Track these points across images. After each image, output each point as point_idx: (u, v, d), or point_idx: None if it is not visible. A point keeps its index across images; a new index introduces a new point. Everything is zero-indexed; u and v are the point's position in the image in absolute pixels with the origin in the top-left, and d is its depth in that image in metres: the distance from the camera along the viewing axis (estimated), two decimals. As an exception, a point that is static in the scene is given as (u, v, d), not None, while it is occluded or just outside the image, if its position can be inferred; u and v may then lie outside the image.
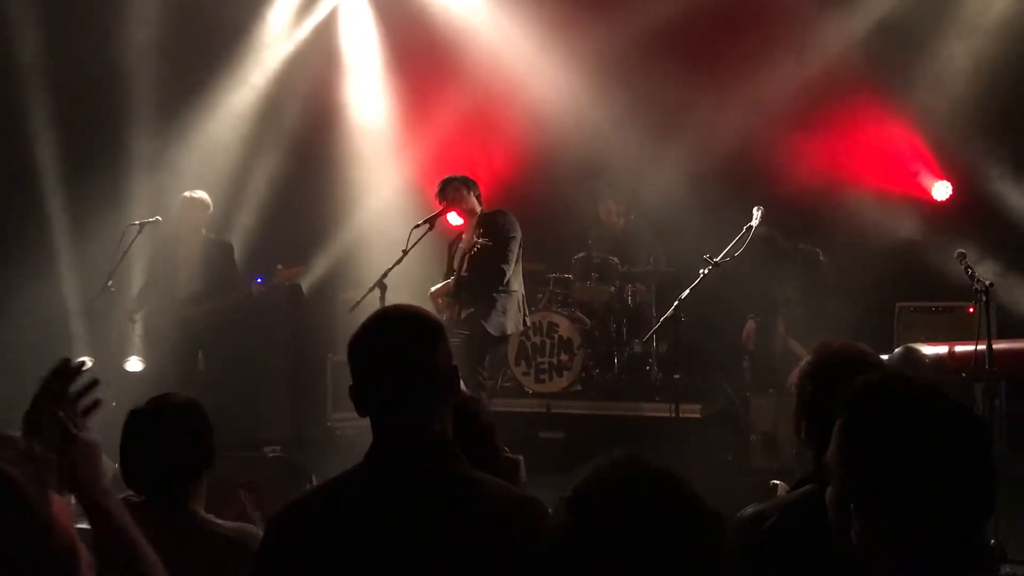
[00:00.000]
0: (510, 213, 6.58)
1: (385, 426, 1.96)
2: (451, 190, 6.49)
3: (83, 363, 1.80)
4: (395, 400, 1.95)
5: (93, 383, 1.81)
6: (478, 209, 6.56)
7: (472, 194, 6.54)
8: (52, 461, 1.10)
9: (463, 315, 6.43)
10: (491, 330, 6.37)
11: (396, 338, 1.98)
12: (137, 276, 7.55)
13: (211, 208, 7.23)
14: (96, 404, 1.81)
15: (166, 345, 6.94)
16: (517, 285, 6.52)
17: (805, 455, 2.47)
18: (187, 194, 7.17)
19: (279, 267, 7.14)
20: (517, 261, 6.49)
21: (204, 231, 7.23)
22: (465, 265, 6.49)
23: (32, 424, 1.71)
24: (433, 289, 6.59)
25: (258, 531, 2.71)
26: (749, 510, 2.38)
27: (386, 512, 1.88)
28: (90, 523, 1.71)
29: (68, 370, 1.78)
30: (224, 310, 7.11)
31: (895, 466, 1.48)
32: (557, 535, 1.25)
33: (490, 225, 6.47)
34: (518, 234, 6.47)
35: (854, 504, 1.52)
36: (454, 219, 6.84)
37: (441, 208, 6.50)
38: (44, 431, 1.70)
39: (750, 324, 6.84)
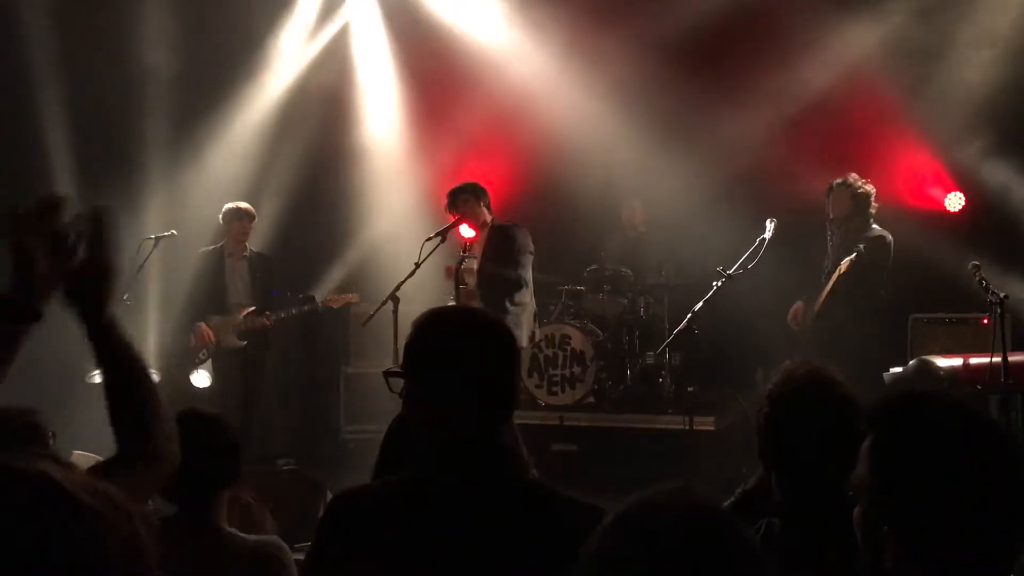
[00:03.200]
0: (523, 226, 6.59)
1: (451, 433, 1.91)
2: (460, 202, 6.49)
3: (62, 198, 1.71)
4: (466, 407, 1.90)
5: (97, 215, 1.74)
6: (489, 219, 6.56)
7: (482, 204, 6.52)
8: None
9: None
10: None
11: (481, 340, 1.94)
12: (155, 289, 7.58)
13: (256, 218, 7.24)
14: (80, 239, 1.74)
15: (196, 359, 6.99)
16: (528, 298, 6.52)
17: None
18: (232, 204, 7.16)
19: (331, 293, 7.29)
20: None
21: (248, 244, 7.23)
22: (475, 280, 6.47)
23: (21, 253, 1.66)
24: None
25: (282, 543, 2.72)
26: None
27: (453, 517, 1.85)
28: (93, 339, 1.71)
29: (53, 203, 1.70)
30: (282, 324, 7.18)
31: (933, 485, 1.46)
32: (587, 561, 1.22)
33: (504, 239, 6.45)
34: (532, 248, 6.48)
35: (889, 526, 1.49)
36: (466, 231, 6.85)
37: (453, 220, 6.51)
38: (35, 260, 1.66)
39: (799, 304, 6.53)
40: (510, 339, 2.01)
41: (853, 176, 6.42)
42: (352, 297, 7.33)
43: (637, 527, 1.20)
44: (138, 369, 1.75)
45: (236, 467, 2.69)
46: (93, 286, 1.70)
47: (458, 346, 1.92)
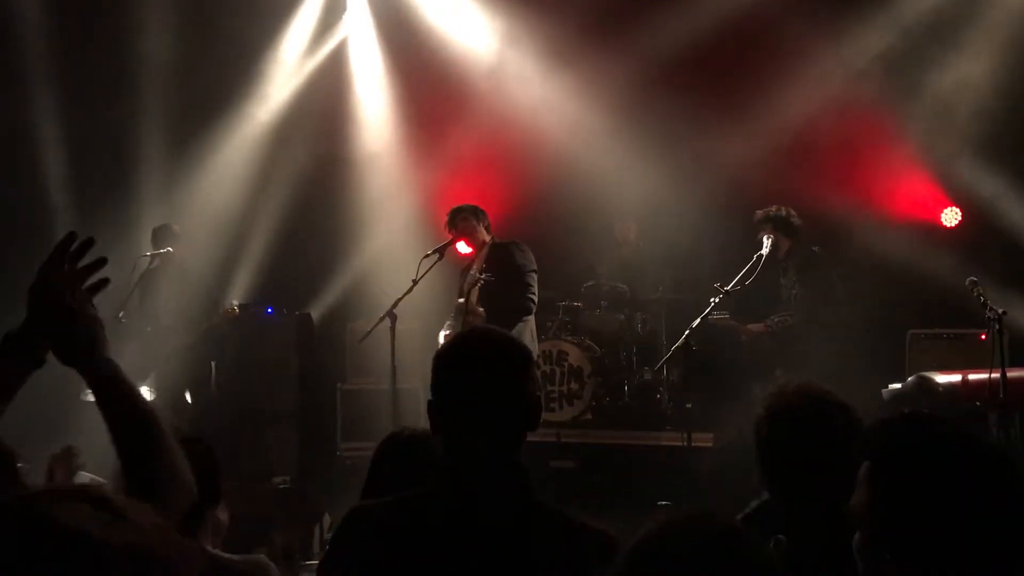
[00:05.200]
0: (524, 244, 6.57)
1: (464, 450, 1.94)
2: (460, 220, 6.49)
3: (91, 240, 1.74)
4: (481, 426, 1.92)
5: (100, 261, 1.75)
6: (487, 239, 6.55)
7: (481, 224, 6.52)
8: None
9: None
10: None
11: (489, 363, 1.96)
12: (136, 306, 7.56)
13: (181, 238, 7.30)
14: (104, 282, 1.76)
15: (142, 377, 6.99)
16: (529, 314, 6.51)
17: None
18: (159, 226, 7.28)
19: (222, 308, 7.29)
20: None
21: (179, 262, 7.26)
22: (475, 297, 6.44)
23: (36, 295, 1.69)
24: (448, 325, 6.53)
25: (268, 562, 2.69)
26: None
27: (460, 538, 1.86)
28: (94, 392, 1.69)
29: (76, 244, 1.73)
30: (205, 341, 7.17)
31: (935, 514, 1.43)
32: None
33: (505, 257, 6.42)
34: (535, 265, 6.45)
35: (892, 554, 1.46)
36: (464, 248, 6.85)
37: (451, 237, 6.51)
38: (47, 303, 1.68)
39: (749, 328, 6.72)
40: (528, 357, 2.04)
41: (765, 211, 6.58)
42: (232, 311, 7.27)
43: (663, 556, 1.18)
44: (143, 417, 1.71)
45: (215, 489, 2.66)
46: (77, 338, 1.69)
47: (478, 364, 1.96)
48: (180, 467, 1.72)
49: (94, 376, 1.69)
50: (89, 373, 1.69)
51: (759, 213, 6.60)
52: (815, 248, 6.65)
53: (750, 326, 6.66)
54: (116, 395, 1.70)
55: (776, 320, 6.45)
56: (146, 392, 7.23)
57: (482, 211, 6.59)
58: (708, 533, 1.20)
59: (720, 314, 6.50)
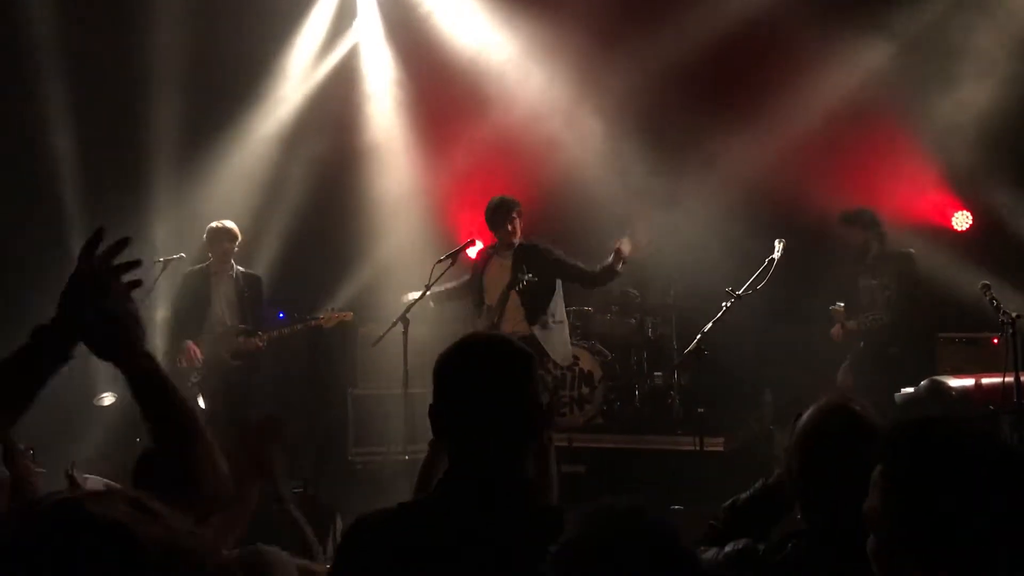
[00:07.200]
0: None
1: (466, 457, 1.92)
2: (516, 214, 6.43)
3: (126, 240, 1.72)
4: (483, 432, 1.90)
5: (135, 261, 1.74)
6: (518, 241, 6.50)
7: (520, 224, 6.48)
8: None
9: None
10: (559, 359, 6.62)
11: (491, 368, 1.94)
12: (163, 312, 7.54)
13: (240, 238, 7.17)
14: (137, 283, 1.74)
15: (188, 381, 6.95)
16: (562, 315, 6.54)
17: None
18: (215, 224, 7.09)
19: (330, 311, 7.16)
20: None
21: (234, 263, 7.18)
22: (516, 299, 6.36)
23: (74, 290, 1.68)
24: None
25: (263, 547, 2.68)
26: (719, 556, 2.20)
27: (464, 545, 1.85)
28: (132, 387, 1.71)
29: (109, 244, 1.70)
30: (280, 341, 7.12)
31: (951, 514, 1.41)
32: None
33: (536, 255, 6.40)
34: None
35: (913, 558, 1.44)
36: (474, 252, 6.85)
37: (463, 243, 6.52)
38: (83, 299, 1.67)
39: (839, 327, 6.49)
40: (530, 362, 2.01)
41: (854, 210, 6.52)
42: (346, 315, 7.20)
43: (588, 557, 1.19)
44: (182, 411, 1.74)
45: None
46: (114, 334, 1.70)
47: (474, 375, 1.94)
48: (217, 461, 1.74)
49: (132, 371, 1.71)
50: (127, 369, 1.71)
51: (842, 216, 6.52)
52: (911, 251, 6.61)
53: (838, 326, 6.49)
54: (155, 390, 1.73)
55: (870, 319, 6.30)
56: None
57: (522, 210, 6.54)
58: (632, 534, 1.20)
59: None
